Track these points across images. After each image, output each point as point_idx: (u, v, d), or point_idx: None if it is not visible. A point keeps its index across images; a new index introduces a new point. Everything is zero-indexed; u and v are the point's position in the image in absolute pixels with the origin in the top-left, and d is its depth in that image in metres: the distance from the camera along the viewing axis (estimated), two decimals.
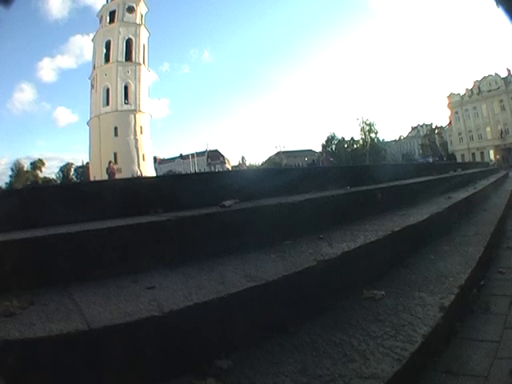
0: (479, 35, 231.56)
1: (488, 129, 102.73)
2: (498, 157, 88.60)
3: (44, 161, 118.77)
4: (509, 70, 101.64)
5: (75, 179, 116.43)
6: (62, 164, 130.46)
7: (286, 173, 7.16)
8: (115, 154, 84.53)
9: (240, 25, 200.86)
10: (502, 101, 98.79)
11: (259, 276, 2.57)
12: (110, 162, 40.04)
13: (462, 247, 4.54)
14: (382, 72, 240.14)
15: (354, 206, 5.04)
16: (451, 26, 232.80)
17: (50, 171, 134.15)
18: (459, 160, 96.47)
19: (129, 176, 61.59)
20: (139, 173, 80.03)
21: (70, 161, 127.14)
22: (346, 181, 6.23)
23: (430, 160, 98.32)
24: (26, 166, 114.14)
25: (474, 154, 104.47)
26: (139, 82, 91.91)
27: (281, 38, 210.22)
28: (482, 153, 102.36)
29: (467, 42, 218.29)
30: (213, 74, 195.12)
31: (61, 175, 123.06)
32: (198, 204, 4.16)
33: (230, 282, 2.49)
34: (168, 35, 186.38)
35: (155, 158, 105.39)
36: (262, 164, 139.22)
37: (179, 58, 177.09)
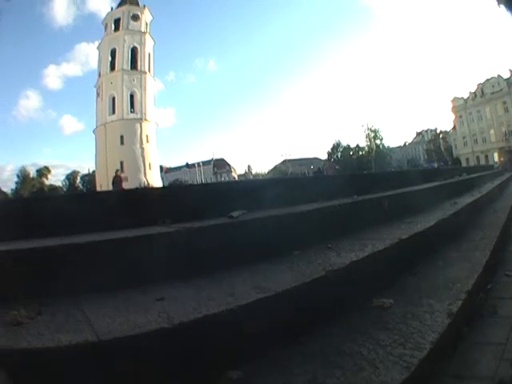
0: (481, 38, 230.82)
1: (492, 131, 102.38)
2: (502, 159, 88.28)
3: (50, 168, 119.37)
4: (511, 71, 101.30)
5: (81, 187, 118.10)
6: (67, 172, 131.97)
7: (293, 182, 7.19)
8: (121, 163, 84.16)
9: (245, 34, 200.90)
10: (505, 102, 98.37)
11: (268, 287, 2.57)
12: (116, 171, 38.16)
13: (468, 252, 4.54)
14: (387, 78, 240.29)
15: (362, 215, 5.03)
16: (453, 30, 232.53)
17: (56, 179, 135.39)
18: (464, 164, 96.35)
19: (135, 185, 61.94)
20: (146, 182, 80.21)
21: (76, 169, 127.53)
22: (352, 189, 6.22)
23: (435, 165, 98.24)
24: (32, 173, 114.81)
25: (478, 158, 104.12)
26: (145, 90, 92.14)
27: (286, 47, 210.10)
28: (486, 156, 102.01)
29: (470, 45, 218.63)
30: (218, 83, 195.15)
31: (67, 183, 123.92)
32: (205, 215, 4.18)
33: (240, 293, 2.50)
34: (173, 44, 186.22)
35: (161, 167, 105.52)
36: (267, 172, 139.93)
37: (184, 67, 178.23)
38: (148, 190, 8.36)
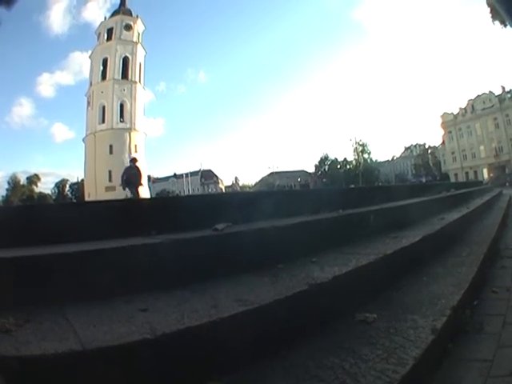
0: (472, 54, 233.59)
1: (482, 147, 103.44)
2: (491, 175, 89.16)
3: (40, 176, 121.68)
4: (503, 88, 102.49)
5: (70, 196, 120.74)
6: (57, 180, 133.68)
7: (279, 195, 7.21)
8: (110, 172, 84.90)
9: (236, 45, 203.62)
10: (496, 119, 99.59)
11: (251, 300, 2.61)
12: (133, 159, 24.33)
13: (454, 268, 4.59)
14: (376, 93, 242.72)
15: (347, 229, 5.07)
16: (444, 47, 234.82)
17: (46, 186, 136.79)
18: (452, 179, 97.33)
19: (123, 195, 62.03)
20: (135, 192, 78.96)
21: (66, 177, 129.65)
22: (338, 203, 6.26)
23: (423, 180, 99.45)
24: (23, 180, 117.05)
25: (467, 173, 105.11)
26: (135, 100, 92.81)
27: (275, 60, 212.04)
28: (475, 171, 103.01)
29: (460, 61, 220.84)
30: (208, 94, 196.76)
31: (56, 191, 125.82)
32: (190, 226, 4.21)
33: (222, 305, 2.53)
34: (165, 55, 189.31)
35: (149, 177, 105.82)
36: (254, 184, 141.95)
37: (176, 77, 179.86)
38: (133, 201, 8.34)
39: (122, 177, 22.73)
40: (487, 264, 5.35)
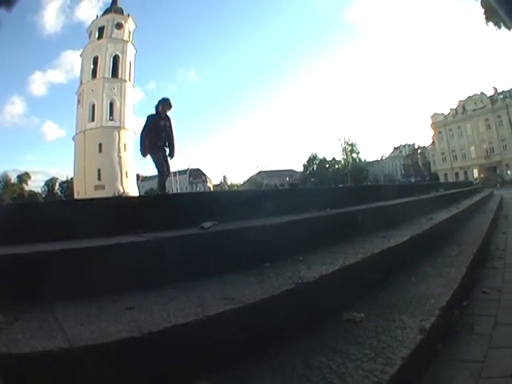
0: (464, 56, 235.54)
1: (472, 148, 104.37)
2: (482, 175, 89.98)
3: (30, 174, 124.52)
4: (495, 89, 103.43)
5: (59, 194, 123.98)
6: (47, 178, 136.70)
7: (266, 194, 7.22)
8: (99, 171, 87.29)
9: (226, 45, 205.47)
10: (487, 119, 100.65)
11: (237, 298, 2.62)
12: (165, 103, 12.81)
13: (444, 268, 4.60)
14: (365, 92, 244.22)
15: (334, 229, 5.09)
16: (436, 47, 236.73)
17: (36, 185, 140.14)
18: (442, 179, 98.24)
19: (112, 193, 63.04)
20: (122, 191, 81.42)
21: (56, 175, 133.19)
22: (327, 202, 6.28)
23: (412, 180, 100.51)
24: (13, 178, 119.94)
25: (457, 174, 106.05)
26: (124, 98, 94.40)
27: (265, 59, 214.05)
28: (465, 172, 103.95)
29: (451, 62, 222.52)
30: (197, 93, 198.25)
31: (46, 189, 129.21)
32: (177, 225, 4.24)
33: (209, 304, 2.54)
34: (156, 53, 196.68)
35: (138, 176, 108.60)
36: (243, 183, 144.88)
37: (166, 76, 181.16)
38: (120, 199, 8.38)
39: (146, 135, 11.70)
40: (477, 264, 5.38)
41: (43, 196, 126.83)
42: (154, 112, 11.90)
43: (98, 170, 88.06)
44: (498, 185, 73.09)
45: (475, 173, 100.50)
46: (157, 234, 3.76)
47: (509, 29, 31.15)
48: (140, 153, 11.73)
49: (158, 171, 11.81)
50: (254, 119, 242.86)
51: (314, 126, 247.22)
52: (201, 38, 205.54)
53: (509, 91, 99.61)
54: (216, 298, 2.69)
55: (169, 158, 11.93)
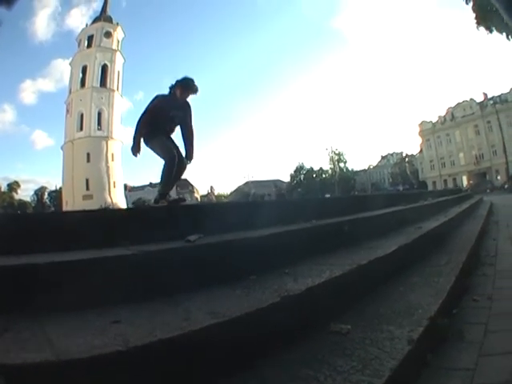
0: (453, 63, 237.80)
1: (461, 155, 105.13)
2: (471, 182, 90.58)
3: (20, 183, 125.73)
4: (485, 94, 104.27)
5: (48, 203, 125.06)
6: (37, 187, 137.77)
7: (252, 206, 7.25)
8: (87, 180, 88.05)
9: (212, 55, 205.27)
10: (476, 126, 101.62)
11: (223, 312, 2.64)
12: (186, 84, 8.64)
13: (432, 278, 4.63)
14: (353, 101, 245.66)
15: (321, 240, 5.10)
16: (423, 55, 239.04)
17: (26, 193, 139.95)
18: (430, 187, 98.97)
19: (100, 203, 63.57)
20: (110, 201, 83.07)
21: (45, 184, 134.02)
22: (314, 213, 6.31)
23: (400, 188, 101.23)
24: (3, 186, 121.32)
25: (445, 181, 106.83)
26: (112, 108, 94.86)
27: (253, 69, 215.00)
28: (454, 179, 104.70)
29: (440, 69, 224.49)
30: None
31: (35, 198, 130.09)
32: (163, 238, 4.26)
33: (194, 318, 2.57)
34: (144, 63, 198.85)
35: (125, 186, 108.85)
36: (230, 194, 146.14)
37: (154, 86, 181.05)
38: (108, 212, 8.34)
39: (144, 123, 7.98)
40: (467, 272, 5.42)
41: (33, 205, 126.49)
42: (166, 93, 8.19)
43: (87, 180, 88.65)
44: (488, 190, 73.60)
45: (464, 179, 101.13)
46: (143, 246, 3.77)
47: (501, 32, 31.43)
48: (131, 151, 7.90)
49: (166, 161, 7.74)
50: (241, 129, 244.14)
51: (301, 136, 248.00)
52: (187, 48, 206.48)
53: (499, 96, 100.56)
54: (202, 311, 2.71)
55: (186, 161, 8.26)
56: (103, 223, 4.48)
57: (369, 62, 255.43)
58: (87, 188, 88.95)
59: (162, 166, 7.77)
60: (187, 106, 8.25)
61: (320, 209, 7.17)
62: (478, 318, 3.93)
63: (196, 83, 8.18)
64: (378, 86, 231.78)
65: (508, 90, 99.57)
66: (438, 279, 4.54)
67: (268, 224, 5.44)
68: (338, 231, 5.57)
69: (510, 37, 31.29)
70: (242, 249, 4.05)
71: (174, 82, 8.09)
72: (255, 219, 5.49)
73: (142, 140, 7.84)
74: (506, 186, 71.11)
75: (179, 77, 8.11)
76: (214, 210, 6.21)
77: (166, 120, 8.00)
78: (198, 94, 8.36)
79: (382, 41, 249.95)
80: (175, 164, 7.71)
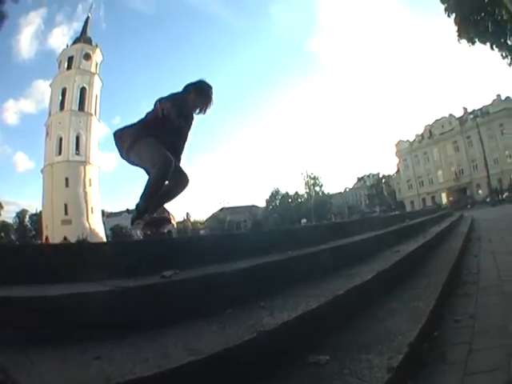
0: (431, 80, 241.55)
1: (440, 172, 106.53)
2: (451, 198, 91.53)
3: (3, 204, 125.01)
4: (465, 109, 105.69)
5: (29, 227, 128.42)
6: (18, 209, 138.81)
7: (229, 238, 7.28)
8: (66, 205, 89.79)
9: (186, 81, 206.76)
10: (456, 142, 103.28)
11: (200, 349, 2.69)
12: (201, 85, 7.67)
13: (411, 302, 4.70)
14: (329, 124, 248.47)
15: (297, 270, 5.15)
16: (400, 75, 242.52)
17: (9, 215, 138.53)
18: (408, 207, 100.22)
19: (79, 229, 63.84)
20: (87, 227, 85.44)
21: (26, 207, 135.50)
22: (289, 243, 6.35)
23: (377, 210, 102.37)
24: None
25: (424, 200, 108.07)
26: (90, 133, 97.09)
27: (227, 95, 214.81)
28: (433, 197, 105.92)
29: (417, 87, 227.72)
30: None
31: (17, 221, 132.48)
32: (140, 272, 4.29)
33: (172, 354, 2.62)
34: (122, 87, 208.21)
35: (103, 212, 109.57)
36: (206, 220, 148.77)
37: (131, 111, 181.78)
38: (86, 245, 8.33)
39: (142, 126, 6.59)
40: (448, 293, 5.50)
41: (15, 227, 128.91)
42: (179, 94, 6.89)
43: (65, 205, 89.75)
44: (469, 206, 74.57)
45: (443, 197, 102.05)
46: (121, 281, 3.80)
47: (484, 43, 31.95)
48: (119, 152, 6.75)
49: (157, 166, 6.18)
50: (216, 155, 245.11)
51: (277, 160, 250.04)
52: (165, 73, 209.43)
53: (480, 109, 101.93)
54: (179, 347, 2.76)
55: (188, 178, 7.05)
56: (80, 257, 4.50)
57: (345, 83, 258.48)
58: (66, 213, 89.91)
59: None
60: (192, 118, 7.05)
61: (296, 238, 7.21)
62: (461, 338, 3.99)
63: (213, 93, 6.94)
64: (353, 107, 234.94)
65: (490, 102, 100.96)
66: (417, 303, 4.60)
67: (245, 256, 5.47)
68: (315, 261, 5.62)
69: (494, 46, 31.89)
70: (217, 283, 4.09)
71: (190, 83, 6.88)
72: (231, 252, 5.53)
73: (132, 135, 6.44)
74: (488, 200, 71.96)
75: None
76: (190, 243, 6.20)
77: (169, 130, 6.49)
78: (205, 113, 6.98)
79: (357, 62, 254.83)
80: (169, 172, 6.19)
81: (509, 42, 31.04)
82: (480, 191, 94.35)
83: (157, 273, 4.21)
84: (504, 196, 69.05)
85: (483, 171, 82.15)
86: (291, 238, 7.19)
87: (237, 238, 7.22)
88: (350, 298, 4.30)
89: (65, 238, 65.01)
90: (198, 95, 6.75)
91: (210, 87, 6.91)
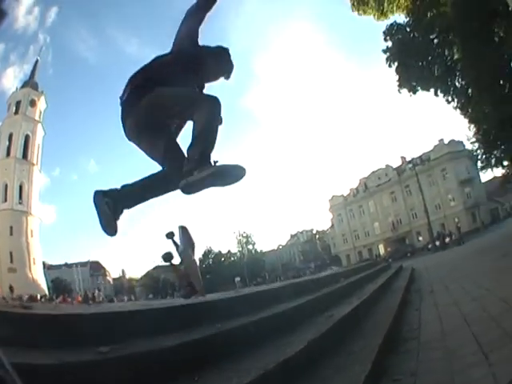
0: (365, 134, 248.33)
1: (376, 224, 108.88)
2: (389, 249, 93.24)
3: None
4: (403, 158, 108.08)
5: None
6: None
7: (162, 312, 7.22)
8: (11, 253, 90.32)
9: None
10: (393, 192, 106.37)
11: None
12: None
13: (346, 368, 4.72)
14: (260, 182, 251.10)
15: (226, 345, 5.11)
16: (335, 131, 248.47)
17: None
18: (344, 261, 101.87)
19: (23, 279, 63.74)
20: (30, 276, 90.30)
21: None
22: (218, 316, 6.30)
23: (312, 266, 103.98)
24: None
25: (360, 252, 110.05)
26: (31, 183, 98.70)
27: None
28: (369, 249, 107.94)
29: (352, 142, 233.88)
30: (96, 185, 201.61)
31: None
32: (77, 345, 4.12)
33: None
34: (61, 138, 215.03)
35: (44, 264, 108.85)
36: (140, 278, 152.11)
37: (69, 163, 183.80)
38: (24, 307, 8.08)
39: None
40: (386, 353, 5.50)
41: None
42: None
43: (11, 253, 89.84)
44: (409, 254, 76.12)
45: (381, 248, 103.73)
46: (58, 354, 3.61)
47: (428, 89, 32.90)
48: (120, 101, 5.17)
49: (211, 102, 4.81)
50: (153, 213, 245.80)
51: (208, 220, 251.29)
52: (102, 127, 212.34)
53: (420, 157, 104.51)
54: None
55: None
56: (20, 326, 4.34)
57: (279, 140, 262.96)
58: (11, 261, 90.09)
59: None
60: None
61: (226, 311, 7.17)
62: None
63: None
64: (286, 165, 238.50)
65: (431, 148, 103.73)
66: (352, 368, 4.61)
67: (178, 328, 5.39)
68: (244, 334, 5.58)
69: (438, 92, 32.90)
70: (148, 361, 4.06)
71: (218, 46, 5.35)
72: (162, 326, 5.46)
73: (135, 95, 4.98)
74: (429, 246, 73.12)
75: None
76: (132, 315, 6.10)
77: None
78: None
79: (289, 117, 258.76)
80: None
81: (457, 84, 32.14)
82: (420, 238, 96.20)
83: (95, 346, 4.11)
84: (447, 240, 70.34)
85: (423, 218, 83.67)
86: (222, 310, 7.16)
87: (167, 311, 7.18)
88: (281, 370, 4.31)
89: (10, 287, 66.24)
90: (225, 61, 5.39)
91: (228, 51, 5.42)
